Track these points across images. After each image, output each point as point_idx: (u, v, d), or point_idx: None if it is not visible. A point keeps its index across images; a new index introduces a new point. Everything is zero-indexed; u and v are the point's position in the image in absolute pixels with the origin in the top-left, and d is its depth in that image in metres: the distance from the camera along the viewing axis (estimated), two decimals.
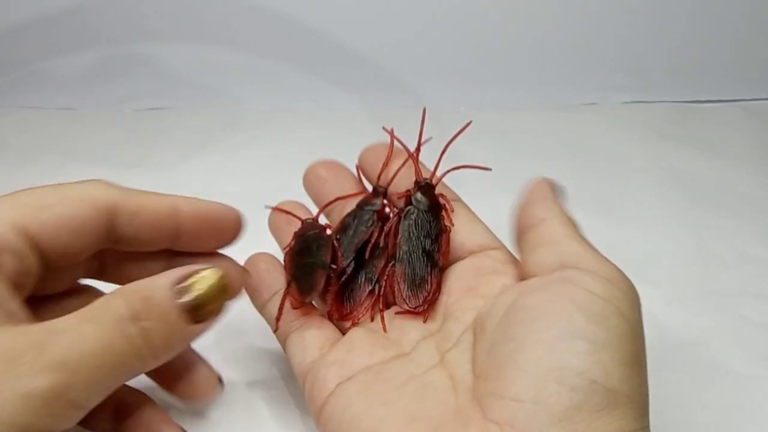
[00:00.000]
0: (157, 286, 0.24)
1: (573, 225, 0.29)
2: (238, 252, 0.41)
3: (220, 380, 0.30)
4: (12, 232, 0.23)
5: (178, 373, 0.29)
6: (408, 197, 0.32)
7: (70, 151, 0.55)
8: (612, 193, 0.50)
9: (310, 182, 0.34)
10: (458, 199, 0.33)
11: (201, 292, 0.24)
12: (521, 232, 0.28)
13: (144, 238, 0.27)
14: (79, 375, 0.21)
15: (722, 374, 0.35)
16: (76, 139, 0.58)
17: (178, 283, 0.24)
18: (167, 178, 0.51)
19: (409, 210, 0.31)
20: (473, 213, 0.32)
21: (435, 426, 0.24)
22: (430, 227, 0.31)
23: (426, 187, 0.31)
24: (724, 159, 0.55)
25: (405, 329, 0.29)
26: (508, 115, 0.61)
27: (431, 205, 0.31)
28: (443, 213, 0.31)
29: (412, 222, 0.31)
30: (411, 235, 0.30)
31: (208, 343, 0.29)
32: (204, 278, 0.25)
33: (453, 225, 0.31)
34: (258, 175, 0.51)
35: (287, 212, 0.32)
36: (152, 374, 0.29)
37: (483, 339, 0.26)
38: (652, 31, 0.66)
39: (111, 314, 0.22)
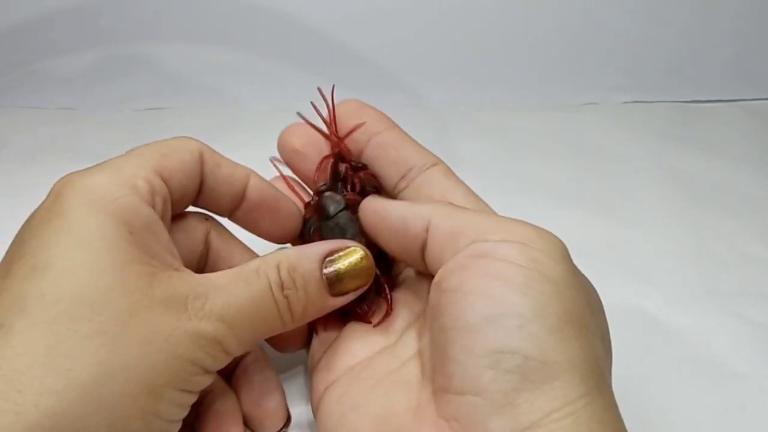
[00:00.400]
0: (306, 257, 0.26)
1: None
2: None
3: (288, 418, 0.30)
4: (155, 176, 0.26)
5: (253, 397, 0.30)
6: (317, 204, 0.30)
7: (70, 151, 0.55)
8: (612, 193, 0.50)
9: (289, 159, 0.33)
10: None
11: (344, 267, 0.26)
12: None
13: (219, 193, 0.29)
14: (234, 327, 0.24)
15: (722, 374, 0.35)
16: (76, 139, 0.58)
17: (326, 256, 0.26)
18: None
19: (325, 224, 0.29)
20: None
21: (396, 428, 0.24)
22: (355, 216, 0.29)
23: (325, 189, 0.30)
24: (724, 159, 0.55)
25: (396, 315, 0.28)
26: (508, 115, 0.61)
27: (336, 203, 0.29)
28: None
29: (343, 222, 0.29)
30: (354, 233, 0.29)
31: None
32: (348, 254, 0.26)
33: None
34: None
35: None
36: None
37: (425, 329, 0.25)
38: (652, 31, 0.66)
39: (262, 279, 0.25)
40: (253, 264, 0.25)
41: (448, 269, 0.24)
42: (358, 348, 0.28)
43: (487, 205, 0.29)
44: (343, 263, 0.26)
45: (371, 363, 0.27)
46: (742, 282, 0.42)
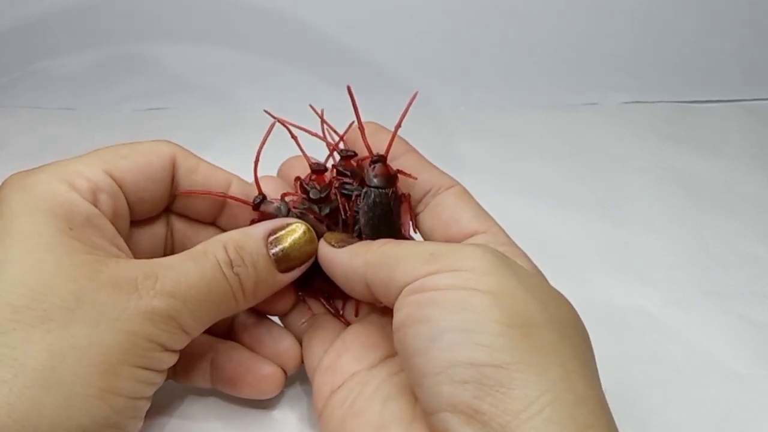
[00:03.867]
0: (251, 237, 0.27)
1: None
2: None
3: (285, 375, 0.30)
4: (102, 174, 0.26)
5: (265, 343, 0.30)
6: (361, 177, 0.30)
7: (70, 151, 0.55)
8: (612, 193, 0.50)
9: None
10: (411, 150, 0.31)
11: (288, 244, 0.28)
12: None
13: (196, 198, 0.30)
14: (186, 304, 0.24)
15: (722, 374, 0.35)
16: (76, 139, 0.58)
17: (270, 235, 0.27)
18: None
19: (365, 191, 0.29)
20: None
21: None
22: (390, 203, 0.29)
23: (377, 161, 0.30)
24: (724, 159, 0.55)
25: None
26: (508, 115, 0.61)
27: (385, 180, 0.29)
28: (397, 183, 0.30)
29: (369, 202, 0.29)
30: (372, 218, 0.29)
31: None
32: (291, 231, 0.28)
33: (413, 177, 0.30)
34: (258, 174, 0.51)
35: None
36: (216, 379, 0.30)
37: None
38: (653, 31, 0.66)
39: (210, 257, 0.26)
40: (200, 246, 0.26)
41: (395, 314, 0.25)
42: (364, 354, 0.28)
43: (497, 225, 0.29)
44: (287, 241, 0.28)
45: (375, 370, 0.27)
46: (742, 282, 0.42)
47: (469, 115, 0.61)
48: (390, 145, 0.30)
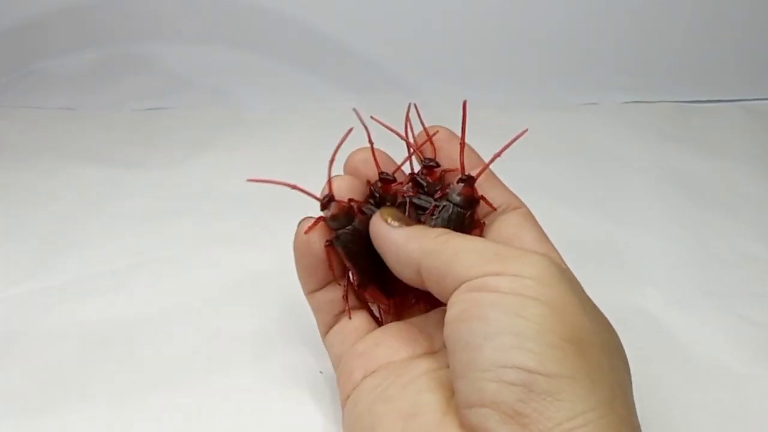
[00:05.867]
0: None
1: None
2: (237, 253, 0.41)
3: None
4: None
5: None
6: (444, 191, 0.30)
7: (69, 151, 0.55)
8: (612, 193, 0.50)
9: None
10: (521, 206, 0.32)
11: None
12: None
13: None
14: None
15: (722, 374, 0.35)
16: (76, 139, 0.58)
17: None
18: (167, 178, 0.51)
19: (444, 205, 0.29)
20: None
21: (419, 427, 0.24)
22: (464, 224, 0.29)
23: (466, 181, 0.29)
24: (724, 159, 0.55)
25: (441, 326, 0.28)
26: (508, 115, 0.61)
27: (467, 201, 0.29)
28: (476, 209, 0.30)
29: (445, 217, 0.29)
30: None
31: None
32: None
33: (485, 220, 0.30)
34: (258, 175, 0.51)
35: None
36: None
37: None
38: (652, 31, 0.66)
39: None
40: None
41: (450, 307, 0.25)
42: (402, 347, 0.28)
43: (556, 251, 0.29)
44: None
45: (412, 363, 0.27)
46: (742, 282, 0.42)
47: (469, 114, 0.61)
48: (462, 163, 0.30)
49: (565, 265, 0.28)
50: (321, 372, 0.32)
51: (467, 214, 0.29)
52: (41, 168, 0.53)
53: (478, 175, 0.30)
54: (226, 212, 0.46)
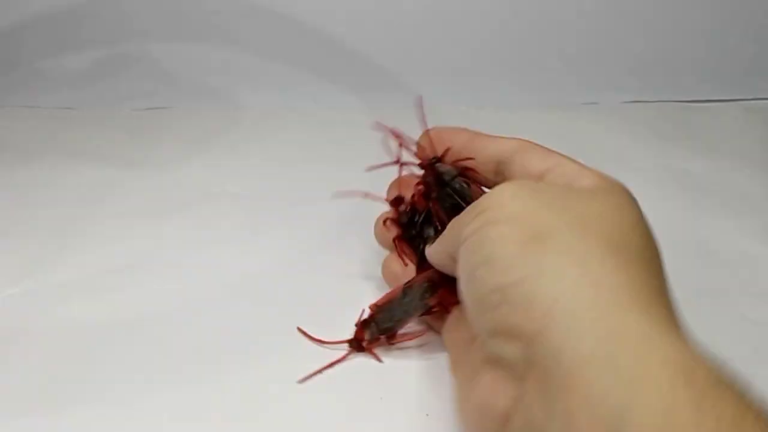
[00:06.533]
0: None
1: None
2: (240, 249, 0.41)
3: None
4: None
5: None
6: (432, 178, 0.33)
7: (69, 151, 0.55)
8: None
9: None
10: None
11: None
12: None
13: None
14: None
15: None
16: (76, 138, 0.58)
17: None
18: (167, 177, 0.51)
19: (439, 192, 0.32)
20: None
21: None
22: (463, 193, 0.32)
23: (434, 162, 0.32)
24: (724, 159, 0.55)
25: None
26: (508, 115, 0.61)
27: (450, 174, 0.32)
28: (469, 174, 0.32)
29: (443, 196, 0.32)
30: (447, 208, 0.32)
31: None
32: None
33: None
34: (258, 174, 0.51)
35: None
36: None
37: None
38: (652, 31, 0.66)
39: None
40: None
41: None
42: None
43: (564, 157, 0.32)
44: None
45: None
46: (742, 282, 0.42)
47: (469, 114, 0.61)
48: (427, 143, 0.34)
49: (579, 164, 0.30)
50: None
51: (457, 186, 0.32)
52: (41, 167, 0.53)
53: (444, 152, 0.33)
54: (226, 212, 0.46)
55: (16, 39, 0.66)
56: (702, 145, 0.56)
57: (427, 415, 0.29)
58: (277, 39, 0.66)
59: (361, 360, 0.31)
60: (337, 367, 0.31)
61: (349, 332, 0.33)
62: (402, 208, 0.35)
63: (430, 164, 0.33)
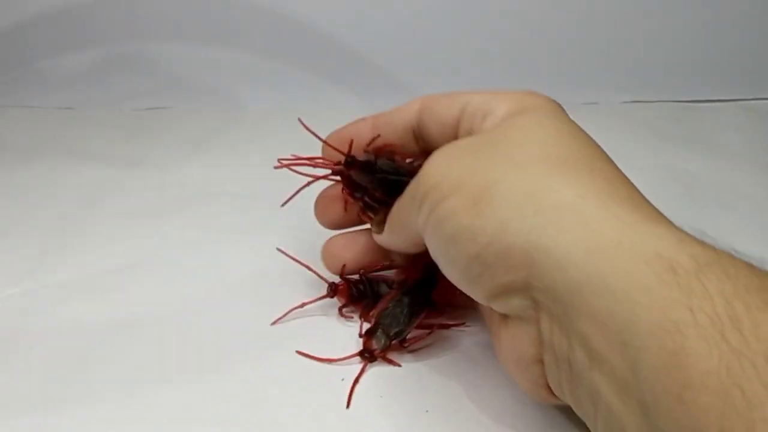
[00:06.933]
0: None
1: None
2: (243, 247, 0.41)
3: None
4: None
5: None
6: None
7: (69, 151, 0.55)
8: None
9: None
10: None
11: None
12: None
13: None
14: None
15: None
16: (76, 138, 0.58)
17: None
18: (167, 177, 0.51)
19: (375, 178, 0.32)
20: None
21: None
22: (393, 170, 0.32)
23: (350, 163, 0.32)
24: (724, 159, 0.55)
25: None
26: None
27: (368, 163, 0.32)
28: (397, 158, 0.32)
29: (377, 181, 0.32)
30: (387, 191, 0.32)
31: None
32: None
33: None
34: (258, 174, 0.51)
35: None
36: None
37: None
38: (652, 31, 0.66)
39: None
40: None
41: None
42: None
43: (474, 92, 0.32)
44: None
45: None
46: None
47: None
48: (330, 150, 0.33)
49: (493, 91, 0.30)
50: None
51: (379, 165, 0.32)
52: (40, 167, 0.53)
53: (349, 148, 0.32)
54: (226, 212, 0.46)
55: (16, 39, 0.66)
56: (702, 145, 0.56)
57: (427, 411, 0.29)
58: (277, 39, 0.66)
59: (360, 359, 0.31)
60: (336, 367, 0.31)
61: (349, 336, 0.33)
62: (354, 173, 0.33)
63: (347, 164, 0.32)
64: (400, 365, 0.31)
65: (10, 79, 0.65)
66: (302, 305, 0.34)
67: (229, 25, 0.66)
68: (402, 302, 0.32)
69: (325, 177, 0.34)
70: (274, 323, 0.34)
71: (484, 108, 0.29)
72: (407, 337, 0.32)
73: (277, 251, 0.36)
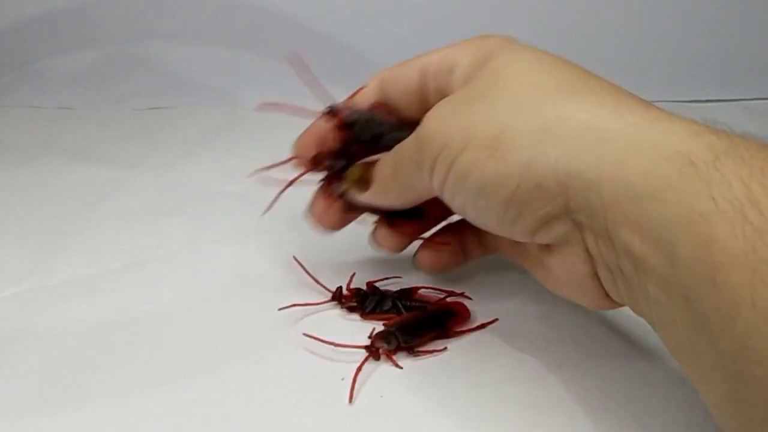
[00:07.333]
0: None
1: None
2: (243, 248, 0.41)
3: None
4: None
5: None
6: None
7: (69, 151, 0.55)
8: None
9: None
10: None
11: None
12: None
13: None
14: None
15: None
16: (76, 138, 0.58)
17: None
18: (167, 177, 0.51)
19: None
20: None
21: None
22: (381, 125, 0.32)
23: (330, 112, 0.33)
24: None
25: None
26: None
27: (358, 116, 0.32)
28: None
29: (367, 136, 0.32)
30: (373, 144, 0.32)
31: None
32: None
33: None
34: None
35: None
36: None
37: None
38: (653, 31, 0.66)
39: None
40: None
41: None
42: None
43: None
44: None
45: None
46: None
47: None
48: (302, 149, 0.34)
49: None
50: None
51: (367, 119, 0.32)
52: (41, 167, 0.53)
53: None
54: (226, 212, 0.46)
55: (16, 39, 0.66)
56: None
57: (427, 411, 0.29)
58: (277, 39, 0.66)
59: (359, 359, 0.31)
60: (336, 366, 0.31)
61: (351, 331, 0.33)
62: (327, 163, 0.34)
63: (329, 113, 0.33)
64: (401, 367, 0.31)
65: (10, 79, 0.65)
66: (305, 304, 0.34)
67: (229, 25, 0.66)
68: (421, 321, 0.33)
69: (298, 178, 0.34)
70: (281, 309, 0.34)
71: (447, 63, 0.30)
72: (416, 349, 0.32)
73: (277, 251, 0.36)
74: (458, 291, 0.36)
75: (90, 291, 0.38)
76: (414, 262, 0.35)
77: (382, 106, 0.33)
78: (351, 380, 0.30)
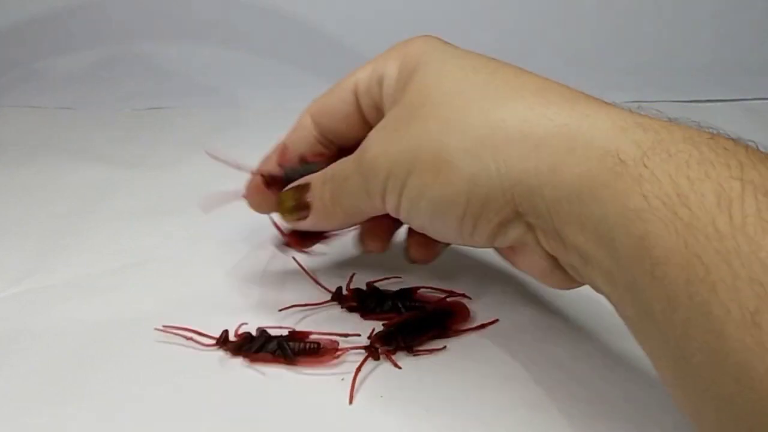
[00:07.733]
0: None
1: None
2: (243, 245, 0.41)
3: None
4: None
5: None
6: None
7: (69, 151, 0.55)
8: None
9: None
10: None
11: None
12: None
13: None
14: None
15: None
16: (76, 138, 0.58)
17: None
18: (167, 177, 0.51)
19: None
20: None
21: None
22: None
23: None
24: None
25: None
26: None
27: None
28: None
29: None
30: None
31: None
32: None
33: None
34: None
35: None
36: None
37: None
38: (652, 31, 0.66)
39: None
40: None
41: None
42: None
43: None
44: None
45: None
46: None
47: None
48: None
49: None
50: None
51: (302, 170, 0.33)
52: (41, 167, 0.53)
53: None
54: (226, 212, 0.46)
55: (16, 39, 0.66)
56: None
57: (427, 411, 0.29)
58: (277, 38, 0.66)
59: (359, 359, 0.31)
60: (335, 367, 0.31)
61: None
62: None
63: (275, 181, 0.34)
64: (400, 367, 0.31)
65: (10, 79, 0.65)
66: (306, 305, 0.34)
67: (229, 25, 0.66)
68: (421, 321, 0.33)
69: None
70: (281, 310, 0.34)
71: (375, 77, 0.30)
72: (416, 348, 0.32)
73: (276, 251, 0.36)
74: (458, 291, 0.36)
75: (90, 291, 0.38)
76: (405, 255, 0.35)
77: (312, 156, 0.34)
78: (351, 380, 0.30)
